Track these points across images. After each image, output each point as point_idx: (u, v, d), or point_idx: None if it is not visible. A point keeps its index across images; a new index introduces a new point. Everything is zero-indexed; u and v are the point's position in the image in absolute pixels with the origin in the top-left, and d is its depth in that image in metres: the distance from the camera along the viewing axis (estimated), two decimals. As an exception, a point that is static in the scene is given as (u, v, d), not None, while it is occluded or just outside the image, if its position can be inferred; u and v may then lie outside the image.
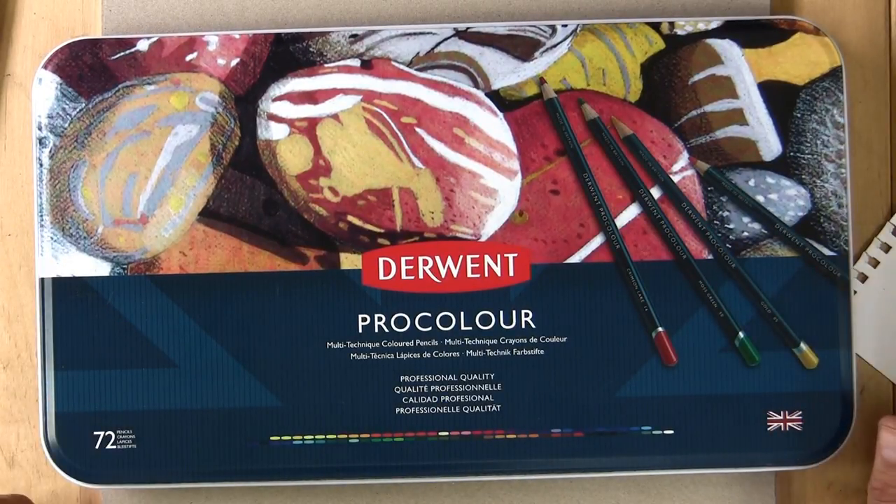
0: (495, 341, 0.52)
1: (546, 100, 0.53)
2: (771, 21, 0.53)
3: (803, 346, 0.52)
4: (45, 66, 0.52)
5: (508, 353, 0.52)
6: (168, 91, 0.52)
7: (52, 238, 0.52)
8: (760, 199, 0.52)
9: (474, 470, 0.52)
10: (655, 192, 0.52)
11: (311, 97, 0.52)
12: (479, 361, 0.52)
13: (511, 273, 0.52)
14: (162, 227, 0.52)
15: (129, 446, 0.52)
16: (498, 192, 0.52)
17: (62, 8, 0.56)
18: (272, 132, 0.52)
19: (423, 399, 0.52)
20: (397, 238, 0.52)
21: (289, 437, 0.52)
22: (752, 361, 0.52)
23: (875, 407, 0.55)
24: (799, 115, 0.52)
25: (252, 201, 0.52)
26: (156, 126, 0.52)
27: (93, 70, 0.52)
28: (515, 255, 0.52)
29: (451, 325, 0.52)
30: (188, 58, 0.53)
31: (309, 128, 0.52)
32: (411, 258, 0.52)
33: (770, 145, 0.52)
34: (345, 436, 0.52)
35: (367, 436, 0.52)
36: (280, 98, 0.53)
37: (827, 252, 0.52)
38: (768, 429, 0.52)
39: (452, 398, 0.52)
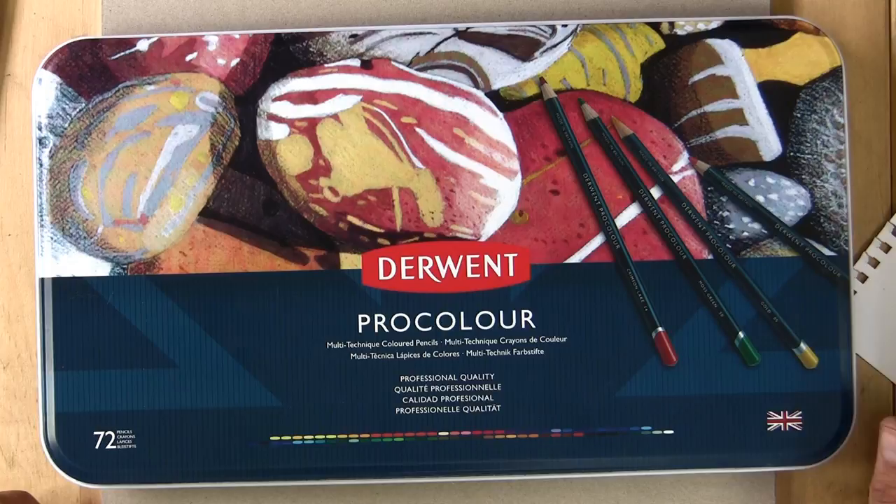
0: (495, 341, 0.52)
1: (546, 100, 0.53)
2: (771, 21, 0.53)
3: (803, 346, 0.52)
4: (45, 66, 0.52)
5: (508, 353, 0.52)
6: (168, 91, 0.52)
7: (52, 238, 0.52)
8: (760, 199, 0.52)
9: (474, 470, 0.52)
10: (655, 192, 0.52)
11: (311, 97, 0.52)
12: (479, 361, 0.52)
13: (511, 273, 0.52)
14: (162, 227, 0.52)
15: (129, 446, 0.52)
16: (498, 192, 0.52)
17: (62, 8, 0.56)
18: (272, 132, 0.52)
19: (423, 399, 0.52)
20: (397, 238, 0.52)
21: (289, 437, 0.52)
22: (752, 361, 0.52)
23: (875, 407, 0.55)
24: (799, 115, 0.52)
25: (252, 201, 0.52)
26: (156, 126, 0.52)
27: (93, 70, 0.52)
28: (515, 255, 0.52)
29: (451, 325, 0.52)
30: (188, 58, 0.53)
31: (309, 128, 0.52)
32: (411, 258, 0.52)
33: (770, 145, 0.52)
34: (345, 436, 0.52)
35: (367, 436, 0.52)
36: (280, 98, 0.53)
37: (827, 252, 0.52)
38: (768, 429, 0.52)
39: (452, 398, 0.52)
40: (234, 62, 0.53)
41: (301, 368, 0.52)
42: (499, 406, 0.52)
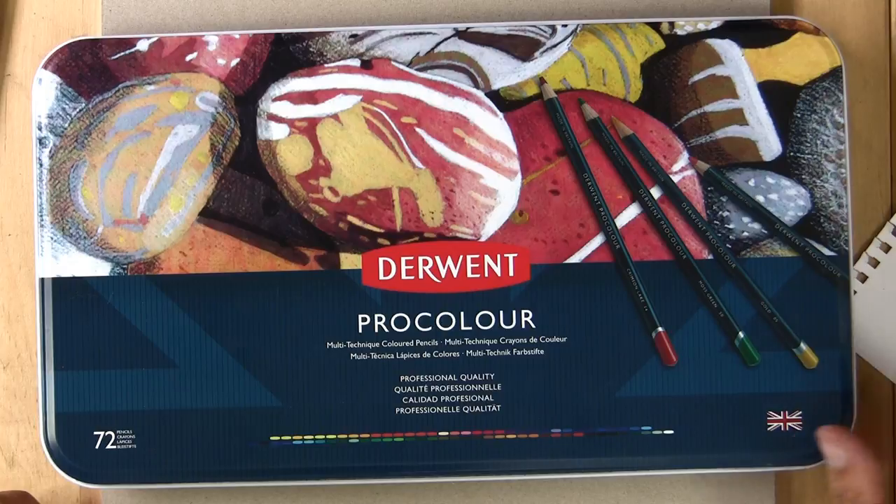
0: (495, 341, 0.52)
1: (546, 100, 0.53)
2: (771, 21, 0.53)
3: (803, 346, 0.52)
4: (45, 66, 0.52)
5: (508, 353, 0.52)
6: (168, 91, 0.52)
7: (52, 238, 0.52)
8: (760, 199, 0.52)
9: (474, 470, 0.52)
10: (655, 192, 0.52)
11: (311, 97, 0.52)
12: (479, 361, 0.52)
13: (511, 273, 0.52)
14: (162, 227, 0.52)
15: (129, 446, 0.52)
16: (498, 192, 0.52)
17: (62, 8, 0.56)
18: (272, 132, 0.52)
19: (423, 399, 0.52)
20: (397, 238, 0.52)
21: (289, 437, 0.52)
22: (752, 361, 0.52)
23: (875, 407, 0.55)
24: (799, 115, 0.52)
25: (252, 201, 0.52)
26: (156, 126, 0.52)
27: (93, 70, 0.52)
28: (515, 255, 0.52)
29: (451, 325, 0.52)
30: (188, 58, 0.53)
31: (309, 128, 0.52)
32: (411, 258, 0.52)
33: (770, 145, 0.52)
34: (345, 436, 0.52)
35: (367, 436, 0.52)
36: (280, 98, 0.53)
37: (827, 252, 0.52)
38: (768, 429, 0.52)
39: (452, 398, 0.52)
40: (234, 62, 0.53)
41: (301, 368, 0.52)
42: (499, 406, 0.52)
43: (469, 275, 0.52)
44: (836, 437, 0.50)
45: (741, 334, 0.52)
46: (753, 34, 0.53)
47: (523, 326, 0.52)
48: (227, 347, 0.52)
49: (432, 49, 0.53)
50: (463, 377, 0.52)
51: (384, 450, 0.52)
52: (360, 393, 0.52)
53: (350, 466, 0.52)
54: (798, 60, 0.52)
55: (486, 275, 0.52)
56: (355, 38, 0.53)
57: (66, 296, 0.52)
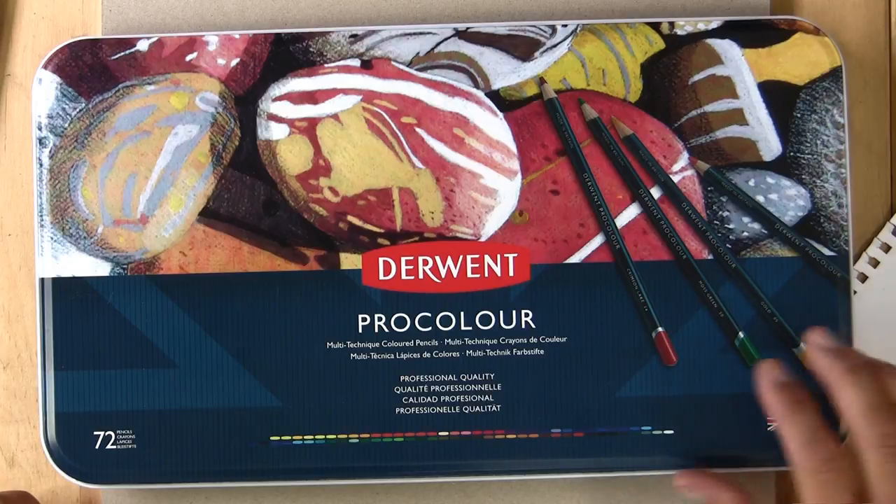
0: (495, 341, 0.52)
1: (546, 100, 0.53)
2: (771, 21, 0.53)
3: (803, 346, 0.52)
4: (45, 66, 0.52)
5: (508, 353, 0.52)
6: (168, 91, 0.52)
7: (52, 238, 0.52)
8: (760, 199, 0.52)
9: (474, 470, 0.52)
10: (655, 192, 0.52)
11: (311, 97, 0.52)
12: (479, 361, 0.52)
13: (511, 273, 0.52)
14: (162, 227, 0.52)
15: (129, 446, 0.52)
16: (498, 192, 0.52)
17: (62, 8, 0.56)
18: (272, 132, 0.52)
19: (423, 399, 0.52)
20: (397, 238, 0.52)
21: (289, 437, 0.52)
22: (752, 361, 0.52)
23: (875, 407, 0.55)
24: (799, 115, 0.52)
25: (252, 201, 0.52)
26: (156, 126, 0.52)
27: (93, 70, 0.52)
28: (515, 255, 0.52)
29: (451, 325, 0.52)
30: (188, 58, 0.53)
31: (309, 128, 0.52)
32: (411, 258, 0.52)
33: (770, 145, 0.52)
34: (345, 436, 0.52)
35: (367, 436, 0.52)
36: (280, 98, 0.53)
37: (827, 252, 0.52)
38: (768, 429, 0.52)
39: (452, 398, 0.52)
40: (234, 62, 0.53)
41: (301, 368, 0.52)
42: (499, 406, 0.52)
43: (469, 275, 0.52)
44: (700, 483, 0.51)
45: (741, 334, 0.52)
46: (753, 34, 0.53)
47: (523, 326, 0.52)
48: (227, 347, 0.52)
49: (432, 49, 0.53)
50: (463, 377, 0.52)
51: (384, 450, 0.52)
52: (360, 393, 0.52)
53: (350, 466, 0.52)
54: (798, 60, 0.52)
55: (486, 275, 0.52)
56: (355, 38, 0.53)
57: (66, 296, 0.52)
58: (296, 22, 0.55)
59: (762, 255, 0.52)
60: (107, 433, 0.52)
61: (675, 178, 0.52)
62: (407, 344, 0.52)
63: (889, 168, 0.55)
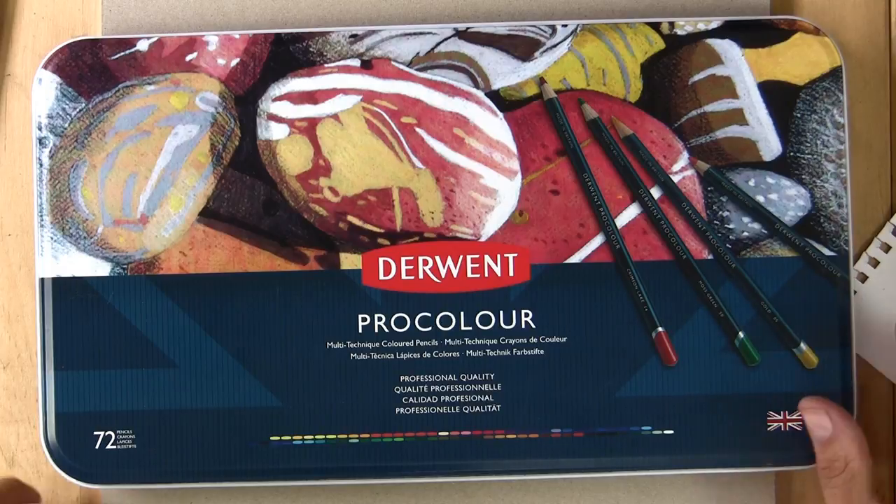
0: (495, 341, 0.52)
1: (546, 100, 0.53)
2: (771, 21, 0.53)
3: (803, 346, 0.52)
4: (45, 66, 0.52)
5: (508, 353, 0.52)
6: (168, 91, 0.52)
7: (52, 238, 0.52)
8: (760, 199, 0.52)
9: (474, 470, 0.52)
10: (655, 192, 0.52)
11: (311, 97, 0.52)
12: (479, 361, 0.52)
13: (511, 273, 0.52)
14: (162, 227, 0.52)
15: (129, 446, 0.52)
16: (498, 192, 0.52)
17: (62, 8, 0.56)
18: (272, 132, 0.52)
19: (423, 399, 0.52)
20: (397, 238, 0.52)
21: (289, 437, 0.52)
22: (752, 361, 0.52)
23: (875, 407, 0.55)
24: (799, 115, 0.52)
25: (252, 201, 0.52)
26: (156, 126, 0.52)
27: (93, 70, 0.52)
28: (515, 255, 0.52)
29: (451, 325, 0.52)
30: (188, 58, 0.53)
31: (309, 128, 0.52)
32: (411, 258, 0.52)
33: (770, 145, 0.52)
34: (345, 436, 0.52)
35: (367, 436, 0.52)
36: (280, 98, 0.53)
37: (827, 252, 0.52)
38: (768, 429, 0.52)
39: (452, 398, 0.52)
40: (234, 62, 0.53)
41: (301, 368, 0.52)
42: (499, 406, 0.52)
43: (469, 275, 0.52)
44: (820, 407, 0.50)
45: (741, 334, 0.52)
46: (753, 34, 0.53)
47: (523, 326, 0.52)
48: (227, 347, 0.52)
49: (432, 49, 0.53)
50: (463, 377, 0.52)
51: (384, 450, 0.52)
52: (360, 393, 0.52)
53: (350, 466, 0.52)
54: (798, 60, 0.52)
55: (486, 275, 0.52)
56: (355, 38, 0.53)
57: (66, 296, 0.52)
58: (296, 22, 0.55)
59: (762, 255, 0.52)
60: (107, 433, 0.52)
61: (675, 178, 0.52)
62: (407, 344, 0.52)
63: (889, 168, 0.55)
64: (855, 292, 0.53)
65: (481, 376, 0.52)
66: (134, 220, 0.52)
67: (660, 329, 0.52)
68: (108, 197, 0.52)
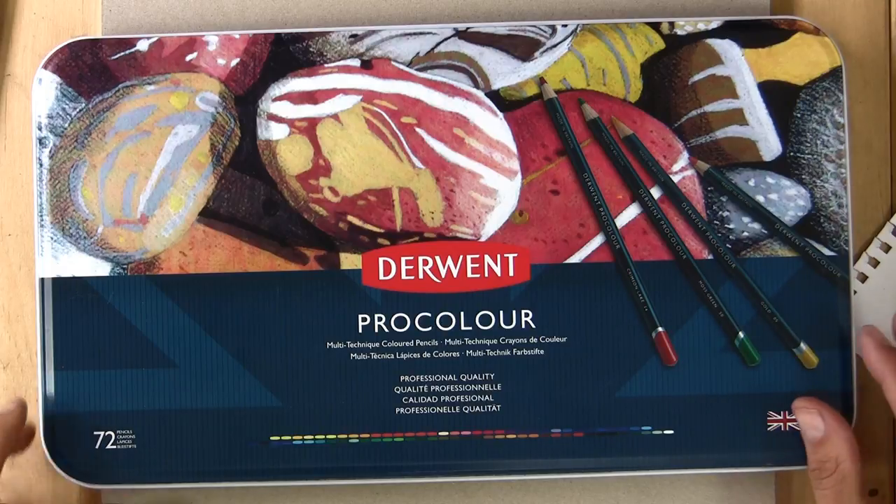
0: (495, 341, 0.52)
1: (546, 100, 0.53)
2: (771, 21, 0.53)
3: (803, 346, 0.52)
4: (45, 66, 0.52)
5: (508, 353, 0.52)
6: (168, 91, 0.52)
7: (52, 238, 0.52)
8: (760, 199, 0.52)
9: (474, 470, 0.52)
10: (655, 192, 0.52)
11: (311, 97, 0.52)
12: (479, 361, 0.52)
13: (511, 273, 0.52)
14: (162, 227, 0.52)
15: (129, 446, 0.52)
16: (498, 192, 0.52)
17: (62, 8, 0.56)
18: (272, 132, 0.52)
19: (423, 399, 0.52)
20: (397, 238, 0.52)
21: (289, 437, 0.52)
22: (752, 361, 0.52)
23: (875, 407, 0.55)
24: (799, 115, 0.52)
25: (252, 201, 0.52)
26: (156, 126, 0.52)
27: (93, 70, 0.52)
28: (515, 255, 0.52)
29: (451, 325, 0.52)
30: (188, 58, 0.53)
31: (309, 128, 0.52)
32: (411, 258, 0.52)
33: (770, 145, 0.52)
34: (345, 436, 0.52)
35: (367, 436, 0.52)
36: (280, 98, 0.53)
37: (827, 252, 0.52)
38: (768, 429, 0.52)
39: (452, 398, 0.52)
40: (234, 62, 0.53)
41: (301, 368, 0.52)
42: (499, 406, 0.52)
43: (469, 275, 0.52)
44: (812, 408, 0.50)
45: (741, 334, 0.52)
46: (753, 34, 0.53)
47: (523, 326, 0.52)
48: (227, 347, 0.52)
49: (432, 49, 0.53)
50: (463, 377, 0.52)
51: (384, 450, 0.52)
52: (360, 393, 0.52)
53: (350, 466, 0.52)
54: (798, 60, 0.52)
55: (486, 275, 0.52)
56: (355, 38, 0.53)
57: (66, 296, 0.52)
58: (296, 22, 0.55)
59: (762, 255, 0.52)
60: (107, 433, 0.52)
61: (675, 178, 0.52)
62: (407, 344, 0.52)
63: (889, 168, 0.55)
64: (855, 292, 0.53)
65: (481, 376, 0.52)
66: (134, 220, 0.52)
67: (660, 329, 0.52)
68: (108, 197, 0.52)
